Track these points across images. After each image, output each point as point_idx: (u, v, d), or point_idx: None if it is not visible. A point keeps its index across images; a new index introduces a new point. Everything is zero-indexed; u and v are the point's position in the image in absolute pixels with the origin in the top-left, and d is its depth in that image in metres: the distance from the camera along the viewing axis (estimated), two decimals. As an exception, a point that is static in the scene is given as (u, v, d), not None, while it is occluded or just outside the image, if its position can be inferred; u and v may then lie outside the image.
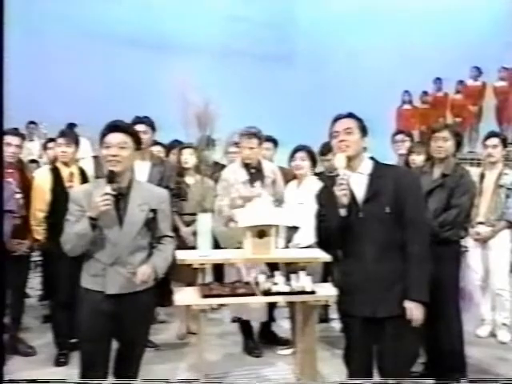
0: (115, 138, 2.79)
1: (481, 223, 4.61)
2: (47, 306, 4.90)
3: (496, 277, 4.63)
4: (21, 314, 4.43)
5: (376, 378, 2.83)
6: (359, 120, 2.81)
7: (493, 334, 4.74)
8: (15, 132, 4.29)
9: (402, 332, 2.68)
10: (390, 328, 2.68)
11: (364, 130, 2.80)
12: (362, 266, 2.70)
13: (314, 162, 4.36)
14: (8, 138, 4.11)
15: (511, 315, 4.72)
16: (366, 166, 2.77)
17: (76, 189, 3.22)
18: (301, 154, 4.29)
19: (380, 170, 2.76)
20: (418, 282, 2.64)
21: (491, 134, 4.83)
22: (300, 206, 4.07)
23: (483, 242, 4.61)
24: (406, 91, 10.64)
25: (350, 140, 2.73)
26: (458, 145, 3.84)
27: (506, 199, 4.59)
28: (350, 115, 2.82)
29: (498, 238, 4.60)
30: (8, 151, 4.10)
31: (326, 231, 2.77)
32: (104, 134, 2.83)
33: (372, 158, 2.82)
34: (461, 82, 10.06)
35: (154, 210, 2.86)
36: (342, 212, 2.65)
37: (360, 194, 2.72)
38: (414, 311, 2.63)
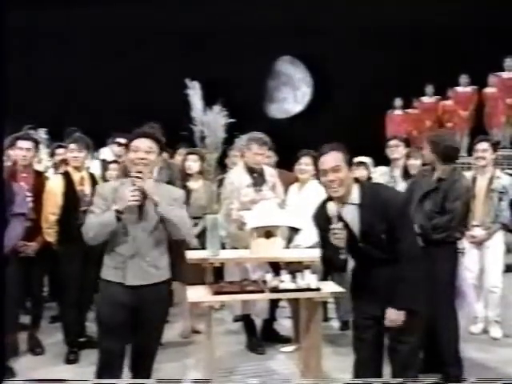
0: (143, 142, 3.02)
1: (476, 226, 4.76)
2: (54, 306, 5.00)
3: (490, 276, 4.80)
4: (40, 314, 4.57)
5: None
6: (344, 152, 2.84)
7: (485, 331, 4.91)
8: (25, 136, 4.44)
9: (406, 329, 2.85)
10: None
11: (349, 161, 2.85)
12: (368, 276, 2.90)
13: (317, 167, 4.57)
14: (19, 143, 4.27)
15: (503, 312, 4.91)
16: (355, 195, 2.83)
17: (102, 185, 3.42)
18: (305, 160, 4.55)
19: (368, 198, 2.82)
20: (401, 293, 2.80)
21: (481, 139, 4.98)
22: (301, 209, 4.26)
23: (479, 244, 4.77)
24: (398, 97, 10.83)
25: (339, 177, 2.77)
26: None
27: (498, 202, 4.74)
28: (335, 148, 2.83)
29: (492, 239, 4.77)
30: (19, 155, 4.25)
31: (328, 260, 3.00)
32: (131, 140, 3.07)
33: (357, 181, 2.91)
34: (452, 89, 10.26)
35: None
36: (343, 256, 2.83)
37: (355, 225, 2.83)
38: (393, 316, 2.82)
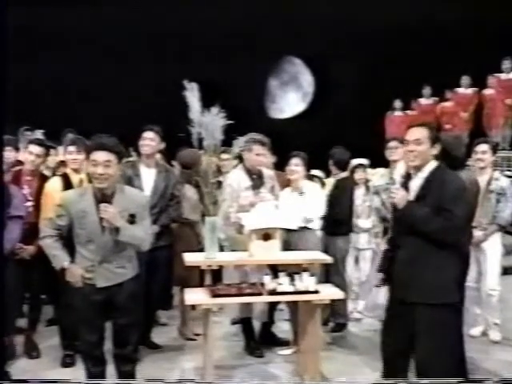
0: (101, 156, 3.09)
1: (473, 227, 4.76)
2: (50, 309, 4.96)
3: (488, 278, 4.78)
4: (38, 317, 4.55)
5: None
6: (431, 129, 3.08)
7: (485, 334, 4.89)
8: (39, 142, 4.44)
9: (431, 320, 2.96)
10: (420, 314, 2.98)
11: (434, 139, 3.05)
12: (400, 255, 3.07)
13: (307, 168, 4.72)
14: (30, 147, 4.28)
15: (502, 315, 4.89)
16: (427, 170, 3.06)
17: (67, 193, 3.44)
18: (295, 161, 4.59)
19: (436, 174, 3.04)
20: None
21: (481, 141, 4.96)
22: (294, 208, 4.32)
23: (476, 245, 4.72)
24: (397, 98, 10.82)
25: (418, 150, 3.01)
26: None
27: (496, 203, 4.74)
28: (422, 125, 3.11)
29: (489, 240, 4.75)
30: (28, 159, 4.26)
31: None
32: (90, 151, 3.17)
33: (439, 163, 3.10)
34: (451, 90, 10.25)
35: (132, 215, 3.18)
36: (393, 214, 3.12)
37: (412, 195, 3.06)
38: None
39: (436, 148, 3.06)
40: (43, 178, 4.41)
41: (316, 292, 3.58)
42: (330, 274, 4.81)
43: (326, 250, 4.66)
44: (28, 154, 4.28)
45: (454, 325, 3.11)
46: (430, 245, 2.97)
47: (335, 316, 5.09)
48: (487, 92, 9.65)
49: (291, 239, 4.37)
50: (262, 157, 4.33)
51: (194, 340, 4.74)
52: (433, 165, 3.08)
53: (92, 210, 3.14)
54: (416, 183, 3.08)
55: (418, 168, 3.07)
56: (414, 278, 2.99)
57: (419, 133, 3.03)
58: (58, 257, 3.17)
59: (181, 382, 3.87)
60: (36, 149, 4.29)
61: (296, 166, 4.58)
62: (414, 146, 3.01)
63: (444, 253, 2.99)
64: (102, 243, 3.15)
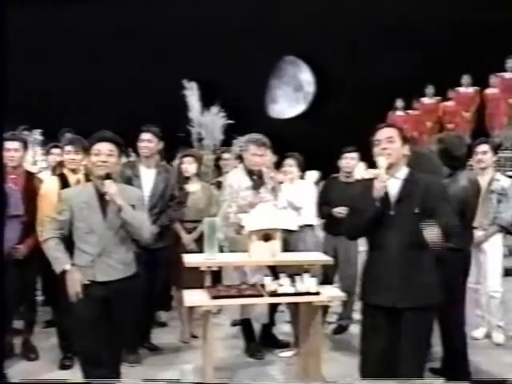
0: (105, 146, 3.19)
1: (474, 228, 4.73)
2: (48, 311, 4.93)
3: (490, 280, 4.74)
4: (34, 318, 4.50)
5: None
6: (400, 129, 3.10)
7: (488, 336, 4.85)
8: (13, 137, 4.34)
9: (419, 324, 2.91)
10: (409, 319, 2.90)
11: (404, 139, 3.05)
12: (386, 258, 2.95)
13: (301, 168, 4.76)
14: (6, 144, 4.19)
15: (504, 317, 4.85)
16: (402, 172, 3.03)
17: (66, 190, 3.46)
18: (289, 162, 4.67)
19: (413, 176, 3.03)
20: None
21: (481, 141, 4.92)
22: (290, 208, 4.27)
23: (476, 246, 4.68)
24: (399, 98, 10.78)
25: (391, 148, 2.99)
26: None
27: (497, 204, 4.70)
28: (391, 126, 3.17)
29: (490, 241, 4.71)
30: (7, 156, 4.17)
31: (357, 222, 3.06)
32: (92, 143, 3.24)
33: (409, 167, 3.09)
34: (453, 89, 10.22)
35: (132, 206, 3.22)
36: (377, 203, 2.92)
37: (393, 195, 2.99)
38: None
39: (406, 148, 3.05)
40: (29, 175, 4.36)
41: (317, 293, 3.54)
42: (340, 275, 4.78)
43: (335, 251, 4.62)
44: (5, 151, 4.14)
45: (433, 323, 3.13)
46: (417, 245, 2.90)
47: (339, 317, 5.06)
48: (490, 91, 9.63)
49: (290, 240, 4.34)
50: (257, 157, 4.26)
51: (189, 342, 4.72)
52: (406, 168, 3.06)
53: (93, 199, 3.18)
54: (394, 185, 3.00)
55: (393, 168, 3.00)
56: (406, 281, 2.89)
57: (390, 132, 3.03)
58: (60, 259, 3.16)
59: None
60: (12, 144, 4.22)
61: (290, 166, 4.67)
62: (387, 144, 2.99)
63: (429, 254, 2.94)
64: (103, 232, 3.15)
